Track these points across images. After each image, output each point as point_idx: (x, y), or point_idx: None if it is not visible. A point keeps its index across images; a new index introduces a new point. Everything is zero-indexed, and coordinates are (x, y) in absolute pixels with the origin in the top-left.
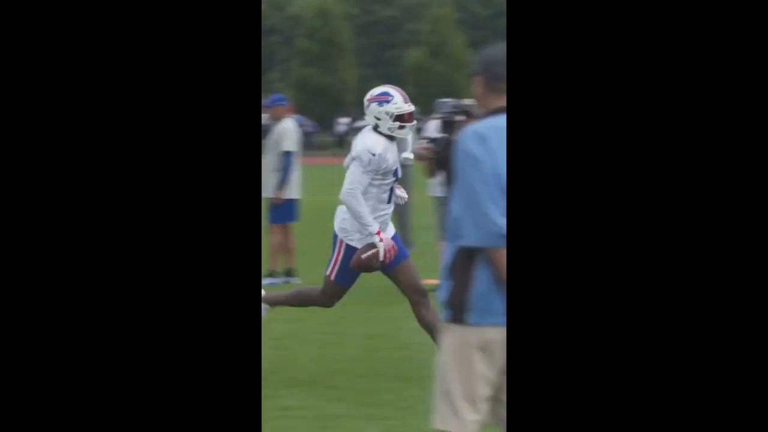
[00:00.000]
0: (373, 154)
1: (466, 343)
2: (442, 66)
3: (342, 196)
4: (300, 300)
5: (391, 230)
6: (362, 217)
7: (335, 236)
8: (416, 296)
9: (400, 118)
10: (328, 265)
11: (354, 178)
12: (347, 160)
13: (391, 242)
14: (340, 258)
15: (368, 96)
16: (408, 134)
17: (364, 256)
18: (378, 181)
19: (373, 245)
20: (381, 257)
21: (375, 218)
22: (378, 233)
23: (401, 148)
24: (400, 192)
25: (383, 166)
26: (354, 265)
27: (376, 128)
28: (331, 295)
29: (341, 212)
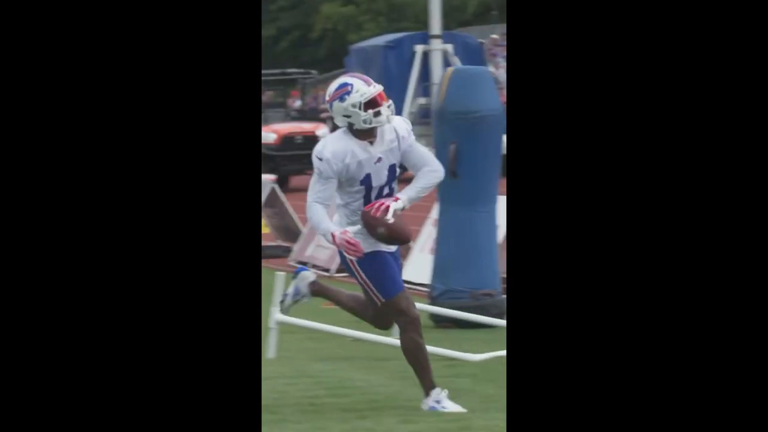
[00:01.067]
0: (320, 159)
1: None
2: None
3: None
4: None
5: (373, 245)
6: (317, 224)
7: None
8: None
9: (370, 104)
10: (370, 296)
11: (310, 187)
12: None
13: (348, 238)
14: (363, 275)
15: (327, 96)
16: (389, 116)
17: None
18: (344, 187)
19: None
20: (344, 249)
21: (357, 231)
22: (333, 235)
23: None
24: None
25: (343, 173)
26: (364, 219)
27: (351, 127)
28: (401, 310)
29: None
